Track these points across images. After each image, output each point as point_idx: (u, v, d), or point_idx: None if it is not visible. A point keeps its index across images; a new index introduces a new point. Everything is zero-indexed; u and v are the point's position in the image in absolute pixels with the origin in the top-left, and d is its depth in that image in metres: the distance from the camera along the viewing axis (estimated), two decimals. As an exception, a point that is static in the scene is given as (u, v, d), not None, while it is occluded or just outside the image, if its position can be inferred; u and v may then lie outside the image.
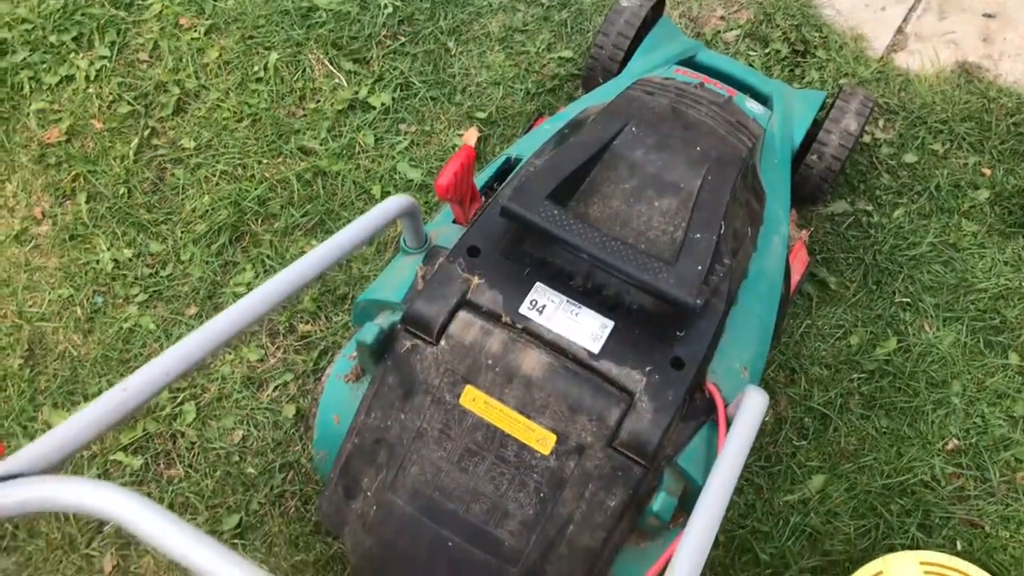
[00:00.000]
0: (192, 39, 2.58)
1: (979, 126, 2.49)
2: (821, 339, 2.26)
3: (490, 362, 1.47)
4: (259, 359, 2.21)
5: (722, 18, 2.62)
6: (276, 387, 2.19)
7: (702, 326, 1.54)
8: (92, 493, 0.87)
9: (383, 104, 2.49)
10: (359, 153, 2.44)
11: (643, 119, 1.70)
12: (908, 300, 2.31)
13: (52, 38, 2.58)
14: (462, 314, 1.51)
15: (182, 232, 2.36)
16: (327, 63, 2.55)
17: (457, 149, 1.57)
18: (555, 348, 1.48)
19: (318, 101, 2.52)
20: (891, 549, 2.01)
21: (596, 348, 1.48)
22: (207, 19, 2.61)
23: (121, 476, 2.09)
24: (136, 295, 2.29)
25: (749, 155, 1.77)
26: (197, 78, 2.54)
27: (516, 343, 1.48)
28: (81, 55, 2.56)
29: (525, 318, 1.50)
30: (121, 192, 2.41)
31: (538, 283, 1.54)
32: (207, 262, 2.32)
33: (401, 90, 2.52)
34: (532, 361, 1.47)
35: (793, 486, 2.10)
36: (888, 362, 2.23)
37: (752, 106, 2.08)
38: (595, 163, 1.63)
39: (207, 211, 2.37)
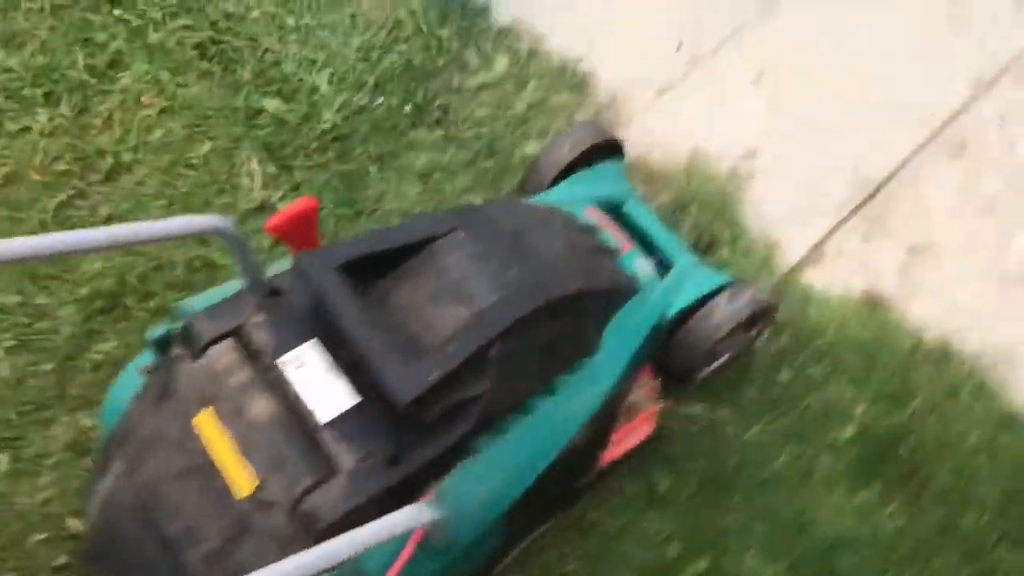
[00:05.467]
0: (145, 116, 2.75)
1: (866, 362, 2.39)
2: (636, 542, 2.18)
3: (230, 393, 1.56)
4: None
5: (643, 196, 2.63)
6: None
7: (436, 437, 1.58)
8: None
9: (290, 212, 2.58)
10: (251, 254, 2.53)
11: (475, 229, 1.76)
12: (739, 521, 2.20)
13: (27, 91, 2.80)
14: (228, 341, 1.61)
15: (67, 292, 2.48)
16: (255, 163, 2.67)
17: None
18: (292, 402, 1.55)
19: (233, 196, 2.63)
20: None
21: (327, 418, 1.54)
22: (166, 100, 2.78)
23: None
24: (5, 340, 2.41)
25: (579, 300, 1.78)
26: (135, 152, 2.70)
27: (259, 384, 1.56)
28: (45, 111, 2.76)
29: (282, 367, 1.57)
30: (31, 242, 2.56)
31: (315, 339, 1.61)
32: (77, 324, 2.42)
33: (312, 203, 2.61)
34: (264, 405, 1.55)
35: None
36: (696, 583, 2.12)
37: (639, 266, 2.11)
38: (413, 253, 1.71)
39: (95, 276, 2.49)
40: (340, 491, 1.49)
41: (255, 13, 2.92)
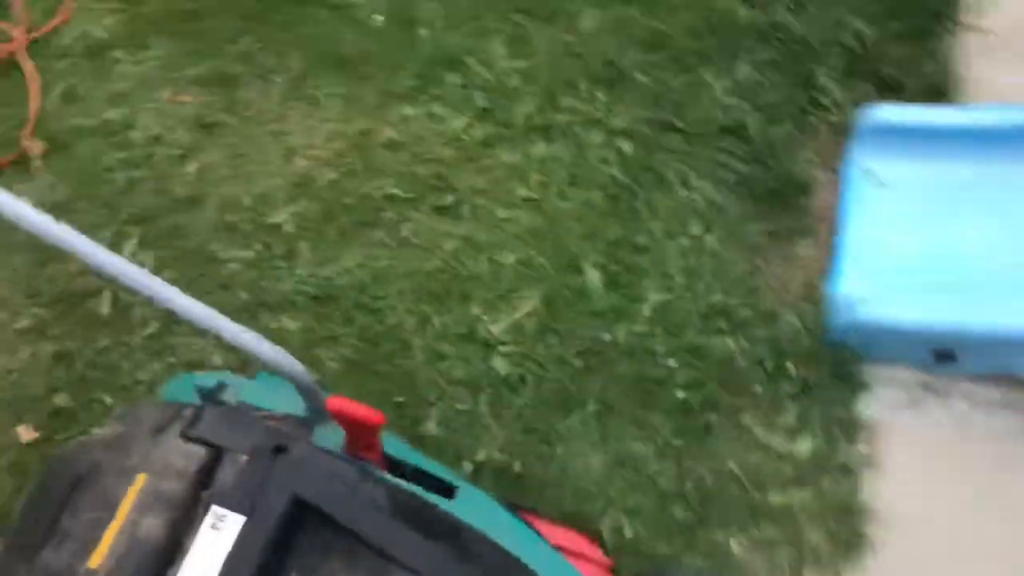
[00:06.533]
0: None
1: None
2: None
3: (163, 492, 1.30)
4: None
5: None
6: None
7: None
8: None
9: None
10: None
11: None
12: None
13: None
14: (207, 450, 1.33)
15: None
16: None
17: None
18: (176, 544, 1.26)
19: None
20: None
21: None
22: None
23: None
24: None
25: None
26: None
27: (178, 507, 1.28)
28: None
29: (207, 512, 1.28)
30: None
31: (247, 520, 1.30)
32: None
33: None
34: (160, 529, 1.26)
35: None
36: None
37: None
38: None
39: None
40: None
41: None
